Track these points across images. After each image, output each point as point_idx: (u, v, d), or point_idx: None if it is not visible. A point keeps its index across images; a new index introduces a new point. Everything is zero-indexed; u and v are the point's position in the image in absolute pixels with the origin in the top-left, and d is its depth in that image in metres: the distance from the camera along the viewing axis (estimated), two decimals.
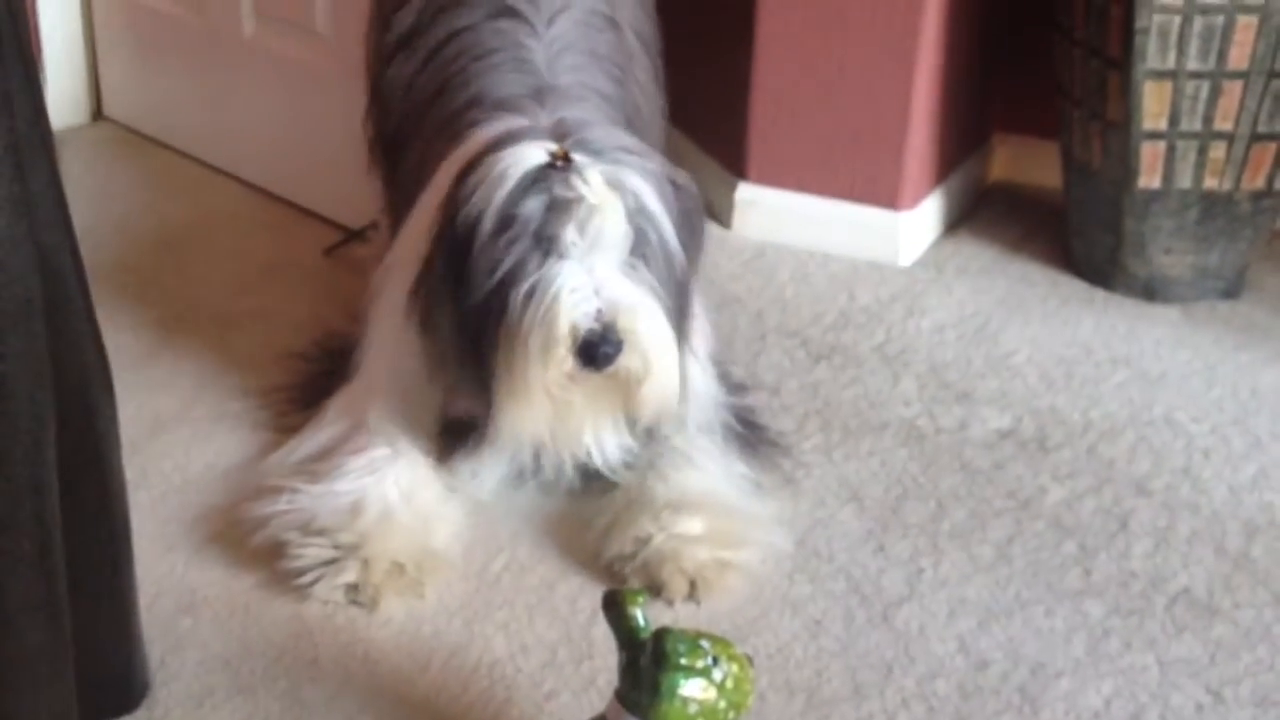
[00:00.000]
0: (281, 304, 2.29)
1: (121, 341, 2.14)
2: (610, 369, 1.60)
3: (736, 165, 2.60)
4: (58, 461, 1.25)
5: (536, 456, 1.76)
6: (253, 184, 2.74)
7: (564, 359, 1.59)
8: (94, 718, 1.42)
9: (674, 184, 1.70)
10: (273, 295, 2.32)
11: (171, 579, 1.66)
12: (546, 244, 1.59)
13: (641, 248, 1.63)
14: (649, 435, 1.76)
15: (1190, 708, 1.51)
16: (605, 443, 1.71)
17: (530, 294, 1.59)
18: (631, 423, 1.72)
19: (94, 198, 2.67)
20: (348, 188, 2.28)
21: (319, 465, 1.74)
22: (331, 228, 2.47)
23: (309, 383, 1.95)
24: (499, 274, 1.60)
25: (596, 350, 1.58)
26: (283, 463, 1.79)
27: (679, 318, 1.68)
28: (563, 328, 1.58)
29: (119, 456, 1.38)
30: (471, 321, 1.63)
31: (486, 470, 1.80)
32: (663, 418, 1.70)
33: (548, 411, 1.65)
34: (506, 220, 1.60)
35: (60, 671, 1.29)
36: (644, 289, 1.63)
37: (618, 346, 1.59)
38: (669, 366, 1.64)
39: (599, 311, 1.58)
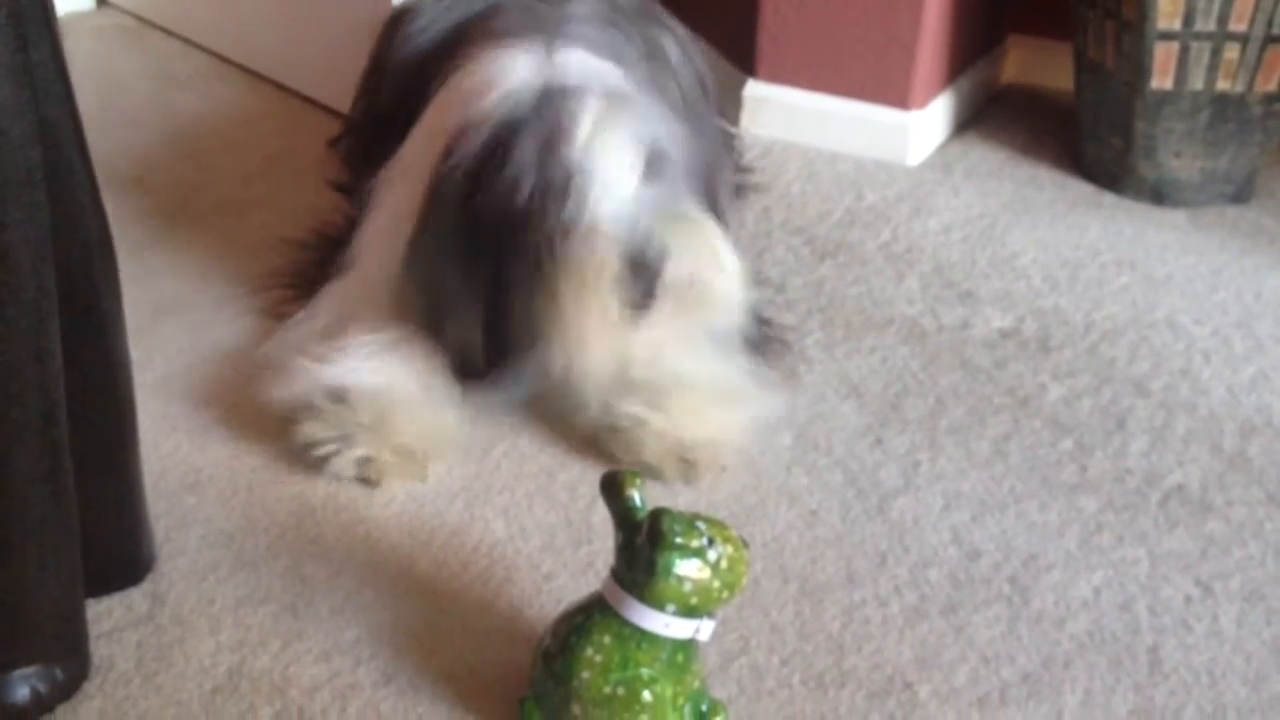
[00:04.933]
0: (285, 193, 2.29)
1: (127, 228, 2.14)
2: (663, 283, 1.58)
3: (746, 62, 2.57)
4: (61, 334, 1.26)
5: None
6: (258, 73, 2.72)
7: (615, 289, 1.56)
8: (100, 590, 1.44)
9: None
10: (277, 184, 2.32)
11: (176, 457, 1.67)
12: (559, 184, 1.56)
13: (657, 161, 1.61)
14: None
15: (1179, 599, 1.52)
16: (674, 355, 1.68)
17: (564, 235, 1.55)
18: (713, 336, 1.69)
19: (99, 85, 2.66)
20: (353, 79, 2.26)
21: (332, 344, 1.73)
22: (336, 118, 2.45)
23: (307, 270, 1.95)
24: (516, 220, 1.57)
25: (645, 270, 1.56)
26: (284, 344, 1.78)
27: (710, 204, 1.67)
28: (607, 260, 1.55)
29: (123, 331, 1.38)
30: (491, 273, 1.60)
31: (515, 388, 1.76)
32: (734, 316, 1.69)
33: (619, 347, 1.61)
34: (507, 163, 1.56)
35: (66, 544, 1.31)
36: (669, 196, 1.61)
37: (661, 255, 1.57)
38: (721, 261, 1.63)
39: (633, 233, 1.56)
